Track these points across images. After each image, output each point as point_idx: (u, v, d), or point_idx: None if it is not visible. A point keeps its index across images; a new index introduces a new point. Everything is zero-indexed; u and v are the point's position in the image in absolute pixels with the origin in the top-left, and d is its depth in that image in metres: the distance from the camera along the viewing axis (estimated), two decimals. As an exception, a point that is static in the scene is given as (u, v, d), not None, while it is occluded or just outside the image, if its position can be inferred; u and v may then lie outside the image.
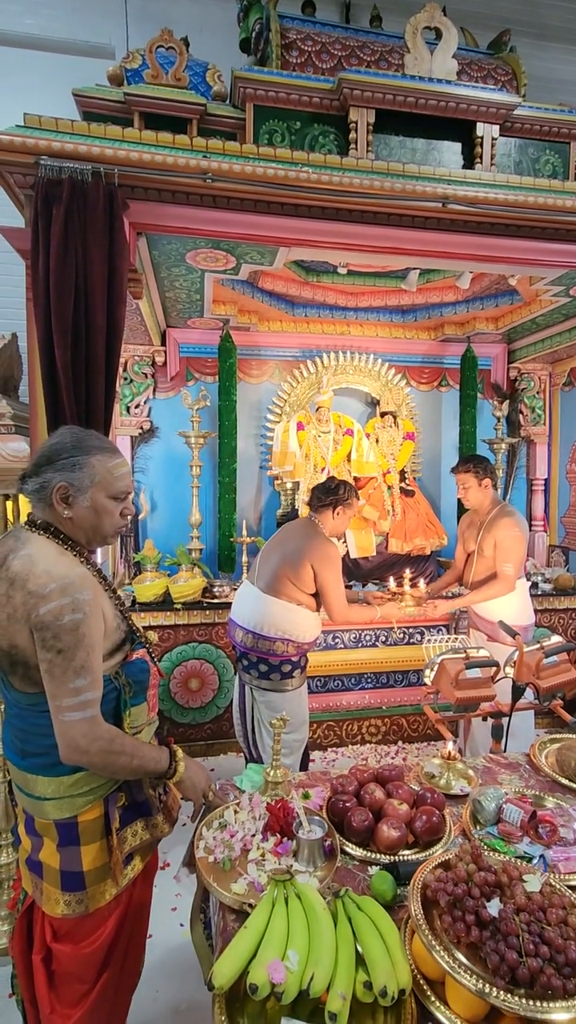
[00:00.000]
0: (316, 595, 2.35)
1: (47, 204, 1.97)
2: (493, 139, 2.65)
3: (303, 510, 3.66)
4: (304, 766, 2.51)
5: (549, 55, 4.11)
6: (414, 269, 3.30)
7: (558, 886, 1.05)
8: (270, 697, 2.32)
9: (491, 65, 2.95)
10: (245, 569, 3.58)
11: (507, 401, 4.16)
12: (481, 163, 2.64)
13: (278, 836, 1.27)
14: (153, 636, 1.34)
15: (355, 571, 3.64)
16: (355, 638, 3.48)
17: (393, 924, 1.05)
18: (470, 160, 2.67)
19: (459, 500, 4.09)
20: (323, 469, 3.79)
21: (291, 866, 1.20)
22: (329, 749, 3.40)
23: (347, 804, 1.37)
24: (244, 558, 3.63)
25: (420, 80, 2.53)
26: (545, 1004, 0.86)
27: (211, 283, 2.99)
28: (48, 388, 2.00)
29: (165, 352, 3.80)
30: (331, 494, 2.38)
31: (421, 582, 2.76)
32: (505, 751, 1.95)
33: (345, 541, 3.65)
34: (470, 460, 2.77)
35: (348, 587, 3.61)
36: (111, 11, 3.82)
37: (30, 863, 1.20)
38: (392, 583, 2.78)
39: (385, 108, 2.53)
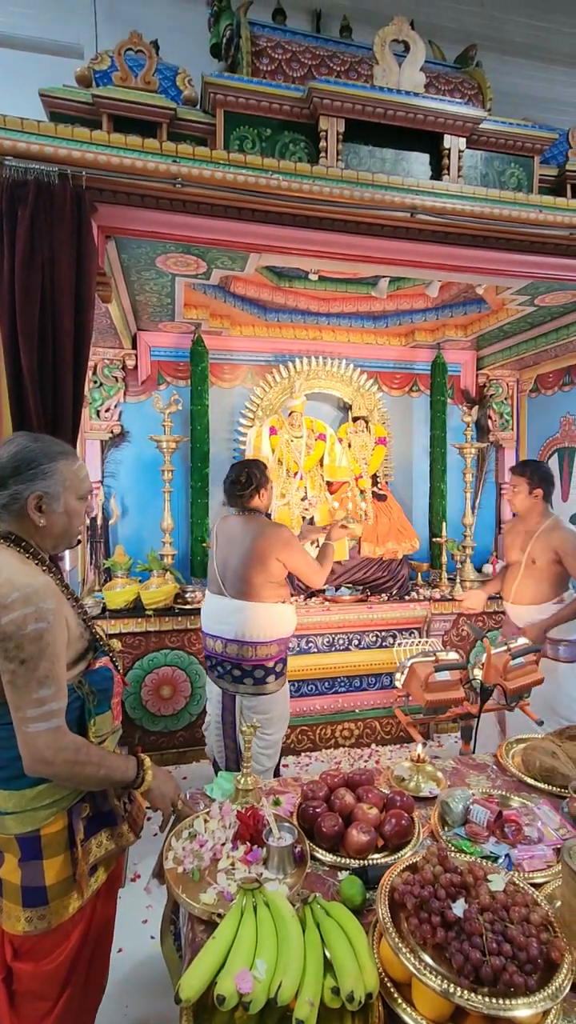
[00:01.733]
0: (287, 577, 2.38)
1: (12, 206, 1.94)
2: (460, 151, 2.71)
3: (277, 515, 3.66)
4: (276, 771, 2.51)
5: (513, 70, 4.22)
6: (384, 277, 3.34)
7: (521, 884, 1.08)
8: (260, 701, 2.32)
9: (458, 79, 3.02)
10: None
11: (476, 407, 4.24)
12: (449, 175, 2.69)
13: (248, 844, 1.27)
14: (117, 644, 1.34)
15: (328, 574, 3.66)
16: (328, 642, 3.50)
17: (361, 928, 1.06)
18: (438, 171, 2.72)
19: (431, 505, 4.17)
20: (296, 474, 3.81)
21: (261, 874, 1.20)
22: (303, 754, 3.40)
23: (317, 810, 1.37)
24: (217, 563, 3.62)
25: (389, 92, 2.57)
26: (508, 1001, 0.87)
27: (182, 287, 2.98)
28: (13, 393, 1.96)
29: (136, 355, 3.76)
30: (249, 483, 2.33)
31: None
32: (474, 752, 1.99)
33: (317, 544, 3.66)
34: (528, 465, 2.74)
35: (322, 591, 3.63)
36: (80, 10, 3.78)
37: (-9, 880, 1.17)
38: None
39: (354, 118, 2.56)
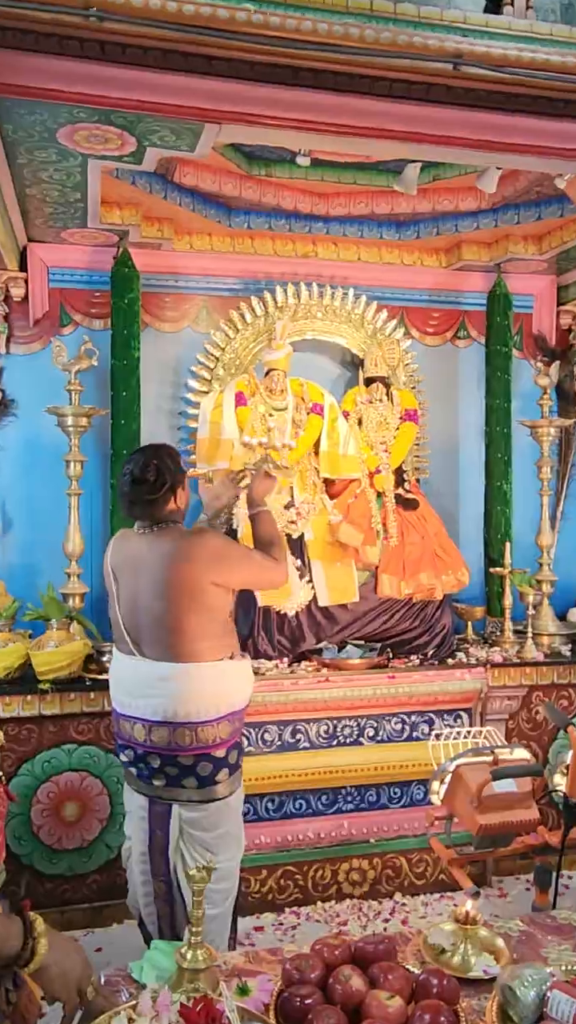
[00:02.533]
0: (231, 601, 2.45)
1: None
2: (530, -30, 2.77)
3: (243, 528, 3.65)
4: (233, 922, 2.51)
5: None
6: (413, 162, 3.38)
7: None
8: (207, 812, 2.34)
9: None
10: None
11: (557, 362, 4.29)
12: (512, 6, 2.74)
13: (197, 1058, 1.27)
14: (-2, 737, 1.34)
15: (326, 625, 3.67)
16: (327, 732, 3.50)
17: None
18: (496, 2, 2.77)
19: (487, 516, 4.20)
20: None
21: None
22: (287, 910, 3.39)
23: (308, 1001, 1.37)
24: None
25: None
26: None
27: (98, 175, 2.99)
28: None
29: (25, 281, 3.77)
30: (160, 481, 2.32)
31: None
32: (555, 906, 2.00)
33: (311, 581, 3.67)
34: None
35: (317, 651, 3.64)
36: None
37: None
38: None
39: None
